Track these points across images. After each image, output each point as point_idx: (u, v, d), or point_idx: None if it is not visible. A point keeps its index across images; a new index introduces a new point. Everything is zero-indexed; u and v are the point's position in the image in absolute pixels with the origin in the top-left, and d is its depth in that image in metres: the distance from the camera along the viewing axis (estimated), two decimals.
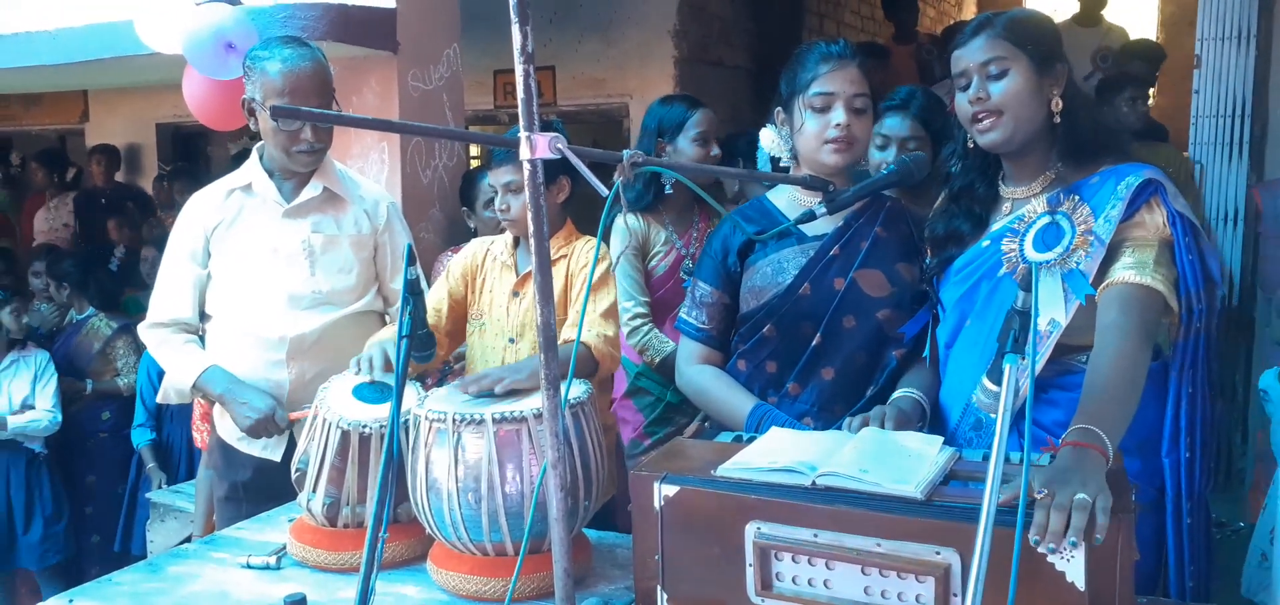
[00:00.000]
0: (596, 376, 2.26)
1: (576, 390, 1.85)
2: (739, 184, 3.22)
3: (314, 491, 1.94)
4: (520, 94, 1.32)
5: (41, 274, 4.75)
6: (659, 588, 1.57)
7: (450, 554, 1.82)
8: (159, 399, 2.68)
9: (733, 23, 6.18)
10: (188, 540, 3.58)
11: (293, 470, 2.02)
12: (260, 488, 2.47)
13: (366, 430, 1.91)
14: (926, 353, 2.04)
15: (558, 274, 2.37)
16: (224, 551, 2.01)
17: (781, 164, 2.15)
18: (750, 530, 1.49)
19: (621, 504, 2.74)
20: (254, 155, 2.54)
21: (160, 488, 4.10)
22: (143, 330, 2.56)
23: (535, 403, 1.76)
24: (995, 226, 1.91)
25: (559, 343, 1.58)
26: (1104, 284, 1.75)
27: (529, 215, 1.36)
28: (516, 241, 2.46)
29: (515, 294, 2.42)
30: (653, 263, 2.91)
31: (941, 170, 2.06)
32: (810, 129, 2.02)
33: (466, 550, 1.80)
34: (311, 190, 2.49)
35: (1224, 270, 4.41)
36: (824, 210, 2.00)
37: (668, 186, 2.85)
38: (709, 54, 5.93)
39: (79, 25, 3.75)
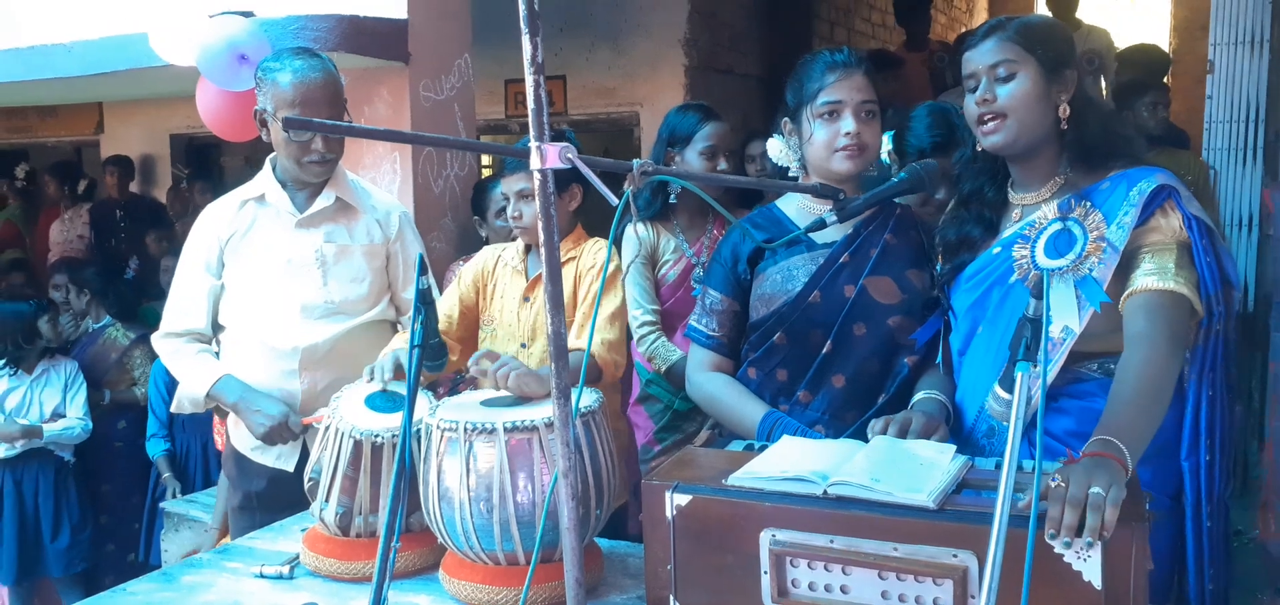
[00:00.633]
0: (602, 381, 2.26)
1: (587, 399, 1.85)
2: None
3: (326, 501, 1.95)
4: (530, 104, 1.32)
5: (62, 286, 4.79)
6: (672, 597, 1.57)
7: (462, 563, 1.83)
8: (173, 408, 2.70)
9: (743, 31, 6.19)
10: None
11: (305, 480, 2.03)
12: (274, 497, 2.48)
13: (379, 440, 1.92)
14: (939, 359, 2.03)
15: (567, 274, 2.38)
16: (237, 561, 2.02)
17: (790, 174, 2.15)
18: (765, 538, 1.48)
19: (634, 512, 2.74)
20: (267, 166, 2.55)
21: (175, 497, 4.12)
22: (156, 340, 2.58)
23: (546, 412, 1.76)
24: (1006, 233, 1.90)
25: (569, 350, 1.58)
26: (1126, 293, 1.74)
27: (540, 225, 1.37)
28: (528, 248, 2.47)
29: (525, 299, 2.43)
30: (662, 271, 2.91)
31: (951, 176, 2.06)
32: (820, 138, 2.02)
33: (479, 559, 1.80)
34: (324, 200, 2.51)
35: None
36: (834, 218, 2.00)
37: (673, 196, 2.86)
38: (719, 62, 5.93)
39: (94, 38, 3.78)
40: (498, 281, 2.49)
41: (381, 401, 2.02)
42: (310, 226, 2.51)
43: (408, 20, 3.56)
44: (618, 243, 2.88)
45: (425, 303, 1.65)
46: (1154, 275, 1.72)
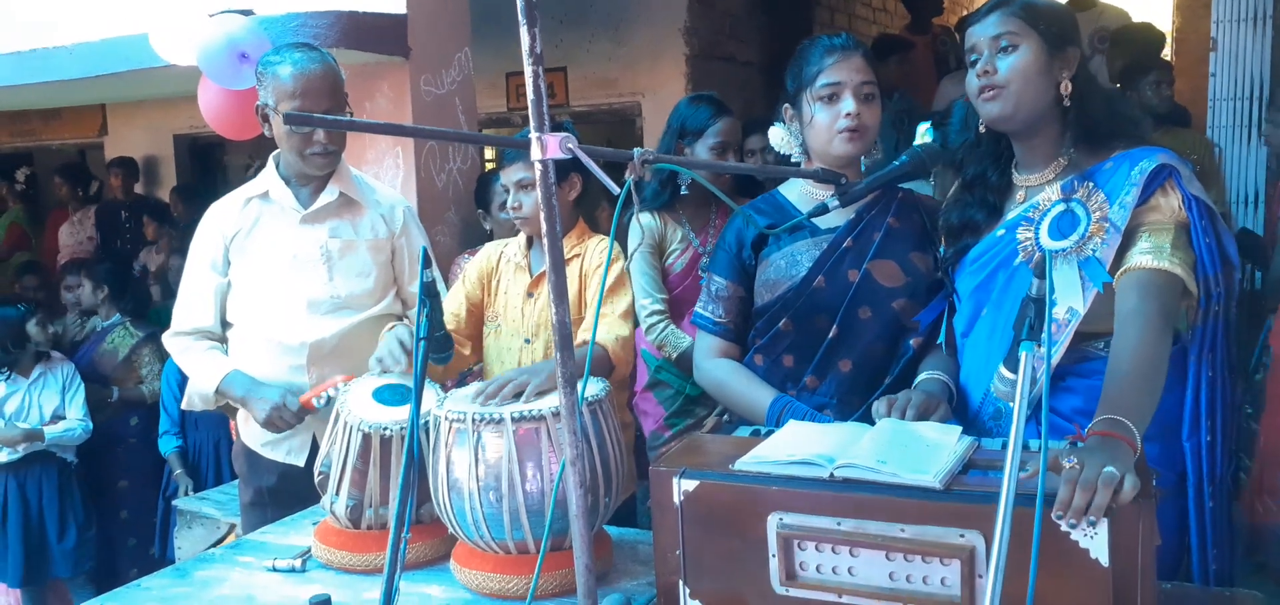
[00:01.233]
0: (613, 376, 2.27)
1: (594, 388, 1.86)
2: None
3: (337, 494, 1.96)
4: (530, 95, 1.33)
5: (76, 286, 4.80)
6: (681, 582, 1.58)
7: (473, 553, 1.84)
8: (184, 405, 2.71)
9: (743, 18, 6.17)
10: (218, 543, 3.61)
11: (315, 473, 2.04)
12: (284, 493, 2.49)
13: (387, 432, 1.93)
14: (941, 339, 2.04)
15: (571, 273, 2.38)
16: (250, 555, 2.04)
17: (792, 161, 2.15)
18: (773, 521, 1.49)
19: (643, 500, 2.75)
20: (270, 163, 2.56)
21: (187, 494, 4.14)
22: (167, 339, 2.60)
23: (553, 401, 1.77)
24: (1010, 215, 1.90)
25: (575, 345, 1.59)
26: (1121, 270, 1.74)
27: (542, 216, 1.37)
28: (530, 242, 2.48)
29: (529, 295, 2.43)
30: (670, 260, 2.91)
31: (954, 159, 2.06)
32: (820, 121, 2.03)
33: (489, 549, 1.81)
34: (328, 195, 2.52)
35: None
36: (837, 203, 2.00)
37: (684, 186, 2.86)
38: (720, 50, 5.92)
39: (95, 40, 3.79)
40: (501, 277, 2.50)
41: (389, 394, 2.03)
42: (315, 222, 2.52)
43: (407, 15, 3.56)
44: (622, 232, 2.88)
45: (429, 296, 1.66)
46: (1149, 254, 1.72)
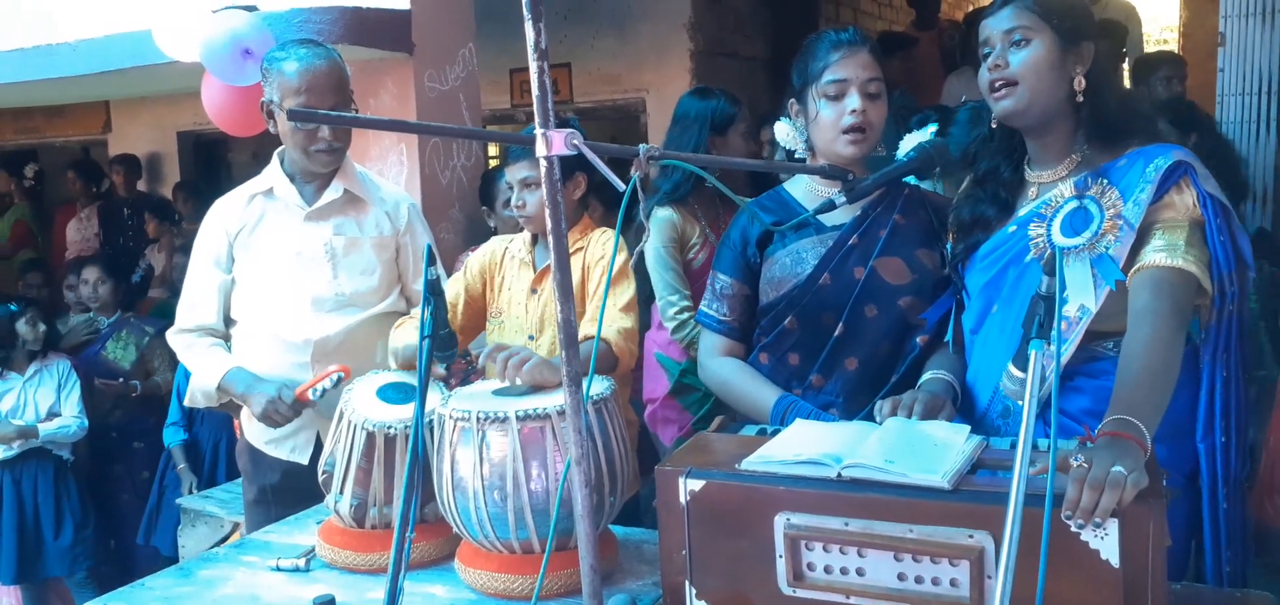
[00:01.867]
0: (616, 371, 2.25)
1: (599, 386, 1.85)
2: None
3: (341, 493, 1.95)
4: (535, 90, 1.31)
5: (75, 286, 4.80)
6: (687, 583, 1.57)
7: (477, 552, 1.83)
8: (186, 402, 2.71)
9: (748, 14, 6.15)
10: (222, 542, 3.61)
11: (319, 472, 2.04)
12: (288, 491, 2.48)
13: (391, 431, 1.92)
14: (948, 337, 2.02)
15: (574, 266, 2.37)
16: (253, 555, 2.03)
17: (797, 156, 2.13)
18: (780, 522, 1.48)
19: (648, 501, 2.73)
20: (274, 160, 2.55)
21: (190, 492, 4.13)
22: (171, 336, 2.59)
23: (558, 399, 1.76)
24: (1022, 211, 1.88)
25: (579, 339, 1.58)
26: (1135, 268, 1.72)
27: (547, 213, 1.36)
28: (535, 239, 2.47)
29: (533, 291, 2.42)
30: (690, 255, 2.87)
31: (967, 154, 2.04)
32: (825, 118, 2.01)
33: (494, 548, 1.80)
34: (332, 192, 2.51)
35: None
36: (843, 200, 1.98)
37: (712, 177, 2.82)
38: (725, 46, 5.91)
39: (99, 36, 3.79)
40: (505, 274, 2.49)
41: (393, 393, 2.02)
42: (319, 219, 2.51)
43: (411, 11, 3.56)
44: (624, 228, 2.86)
45: (434, 293, 1.65)
46: (1163, 252, 1.70)
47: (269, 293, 2.51)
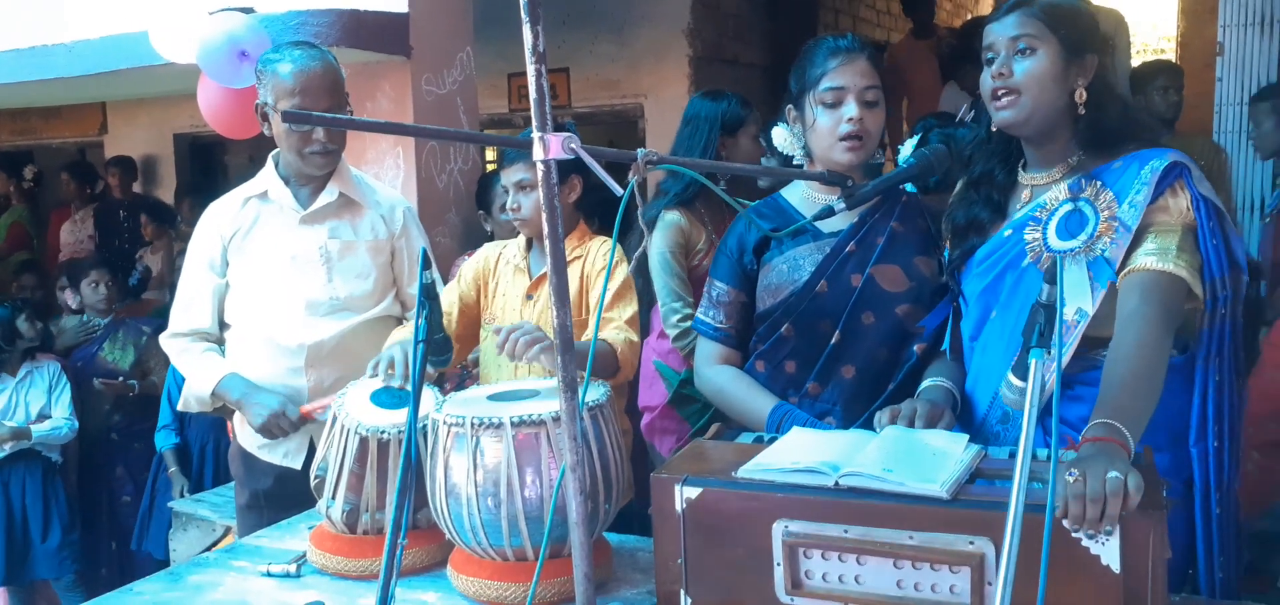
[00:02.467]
0: (616, 379, 2.24)
1: (595, 393, 1.83)
2: None
3: (333, 498, 1.93)
4: (532, 94, 1.30)
5: (66, 289, 4.78)
6: (682, 591, 1.55)
7: (470, 559, 1.81)
8: (180, 406, 2.69)
9: (747, 20, 6.15)
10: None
11: (312, 477, 2.02)
12: (281, 496, 2.47)
13: (385, 436, 1.90)
14: (945, 345, 2.01)
15: (572, 275, 2.36)
16: (244, 560, 2.01)
17: (794, 162, 2.13)
18: (778, 529, 1.47)
19: (640, 508, 2.71)
20: (269, 163, 2.54)
21: (181, 496, 4.11)
22: (164, 340, 2.57)
23: (553, 406, 1.75)
24: (1016, 215, 1.87)
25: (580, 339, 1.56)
26: (1125, 271, 1.71)
27: (543, 217, 1.35)
28: (529, 244, 2.45)
29: (529, 297, 2.41)
30: (696, 260, 2.85)
31: (961, 156, 2.03)
32: (823, 126, 2.00)
33: (486, 555, 1.78)
34: (328, 196, 2.49)
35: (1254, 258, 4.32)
36: (842, 206, 1.97)
37: (722, 183, 2.80)
38: (724, 52, 5.90)
39: (95, 37, 3.77)
40: (499, 280, 2.47)
41: (387, 398, 2.01)
42: (314, 222, 2.49)
43: (408, 14, 3.55)
44: (622, 235, 2.85)
45: (429, 297, 1.64)
46: (1154, 255, 1.69)
47: (263, 296, 2.49)
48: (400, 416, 1.93)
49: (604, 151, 1.47)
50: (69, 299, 4.73)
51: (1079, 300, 1.75)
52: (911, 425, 1.75)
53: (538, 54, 1.28)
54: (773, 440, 1.73)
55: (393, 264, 2.59)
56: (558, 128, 1.35)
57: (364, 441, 1.90)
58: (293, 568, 1.93)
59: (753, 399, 2.03)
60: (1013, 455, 1.53)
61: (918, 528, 1.39)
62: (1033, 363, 1.31)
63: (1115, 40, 4.83)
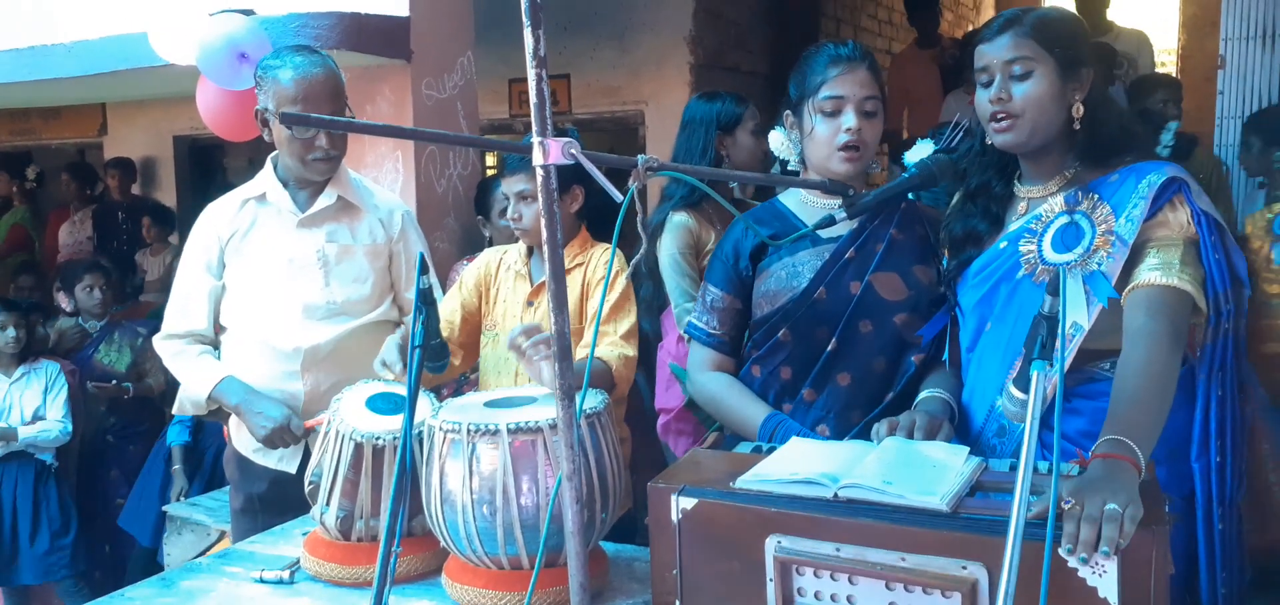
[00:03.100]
0: (613, 394, 2.23)
1: (593, 400, 1.82)
2: None
3: (327, 505, 1.92)
4: (533, 98, 1.29)
5: (62, 291, 4.76)
6: (677, 603, 1.54)
7: (465, 567, 1.80)
8: (175, 410, 2.67)
9: (749, 28, 6.15)
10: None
11: (306, 483, 2.00)
12: (276, 500, 2.45)
13: (380, 442, 1.89)
14: (944, 355, 2.00)
15: (573, 283, 2.35)
16: (237, 565, 1.99)
17: (790, 168, 2.12)
18: (771, 544, 1.45)
19: (642, 517, 2.69)
20: (268, 165, 2.53)
21: (180, 498, 4.09)
22: (158, 342, 2.56)
23: (550, 412, 1.73)
24: (1012, 227, 1.87)
25: (576, 358, 1.55)
26: (1129, 287, 1.70)
27: (542, 223, 1.34)
28: (530, 250, 2.44)
29: (529, 303, 2.40)
30: (705, 261, 2.84)
31: (958, 168, 2.02)
32: (821, 134, 1.99)
33: (481, 563, 1.77)
34: (326, 199, 2.48)
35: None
36: (843, 215, 1.96)
37: (736, 188, 2.79)
38: (725, 59, 5.90)
39: (94, 38, 3.76)
40: (500, 285, 2.46)
41: (383, 403, 1.99)
42: (312, 226, 2.48)
43: (409, 17, 3.54)
44: (622, 243, 2.83)
45: (426, 302, 1.63)
46: (1158, 270, 1.68)
47: (260, 299, 2.48)
48: (395, 422, 1.92)
49: (605, 157, 1.46)
50: (63, 302, 4.71)
51: (1075, 314, 1.74)
52: (910, 436, 1.74)
53: (538, 58, 1.28)
54: (770, 450, 1.71)
55: (391, 268, 2.58)
56: (559, 133, 1.34)
57: (359, 447, 1.89)
58: (286, 574, 1.91)
59: (745, 408, 2.02)
60: (1013, 469, 1.51)
61: (911, 549, 1.38)
62: (1034, 375, 1.30)
63: (1139, 60, 4.83)
